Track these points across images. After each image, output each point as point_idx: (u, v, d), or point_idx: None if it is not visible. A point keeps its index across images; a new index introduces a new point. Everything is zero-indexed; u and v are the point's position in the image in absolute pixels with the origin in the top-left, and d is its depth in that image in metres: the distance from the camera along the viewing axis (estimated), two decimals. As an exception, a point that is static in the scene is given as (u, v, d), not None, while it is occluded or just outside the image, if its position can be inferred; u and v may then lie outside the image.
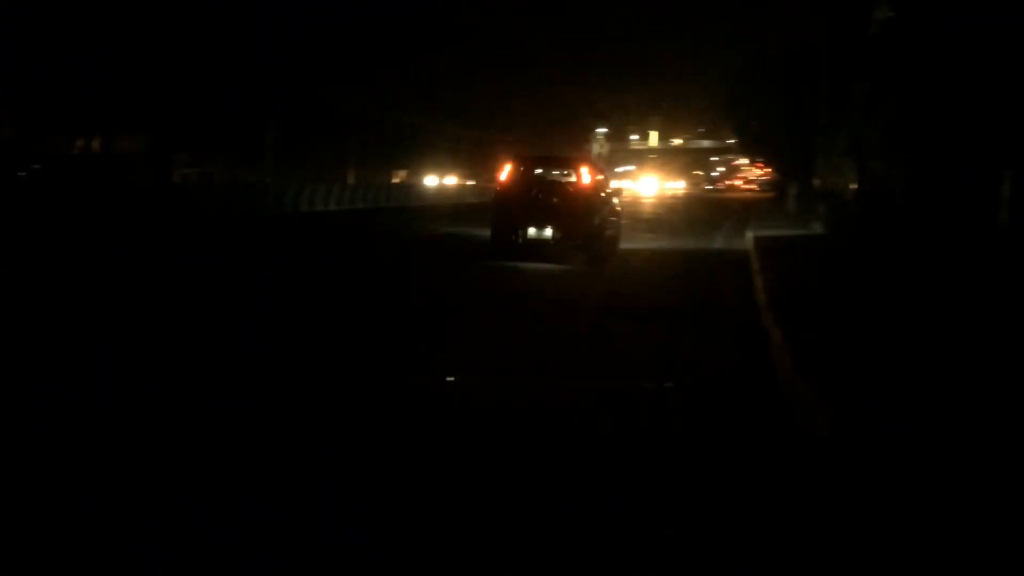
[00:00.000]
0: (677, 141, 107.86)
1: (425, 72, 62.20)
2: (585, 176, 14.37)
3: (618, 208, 16.36)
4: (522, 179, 14.77)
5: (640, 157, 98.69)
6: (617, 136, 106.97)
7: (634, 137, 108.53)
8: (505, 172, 15.09)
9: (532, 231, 13.72)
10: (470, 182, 65.31)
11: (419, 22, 59.00)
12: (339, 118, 51.48)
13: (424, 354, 6.91)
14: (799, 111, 25.45)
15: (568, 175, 14.76)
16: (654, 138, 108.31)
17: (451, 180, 64.79)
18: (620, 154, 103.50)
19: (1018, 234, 5.35)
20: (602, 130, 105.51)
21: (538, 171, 15.35)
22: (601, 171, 16.89)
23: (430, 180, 60.43)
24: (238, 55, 39.99)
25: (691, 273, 14.27)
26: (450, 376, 6.16)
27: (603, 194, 14.97)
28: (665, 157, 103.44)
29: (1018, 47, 5.42)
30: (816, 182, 23.55)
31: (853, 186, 19.81)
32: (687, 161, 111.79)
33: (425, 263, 14.66)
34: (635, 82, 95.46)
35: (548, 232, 13.66)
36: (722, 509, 3.79)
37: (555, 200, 14.07)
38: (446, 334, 7.86)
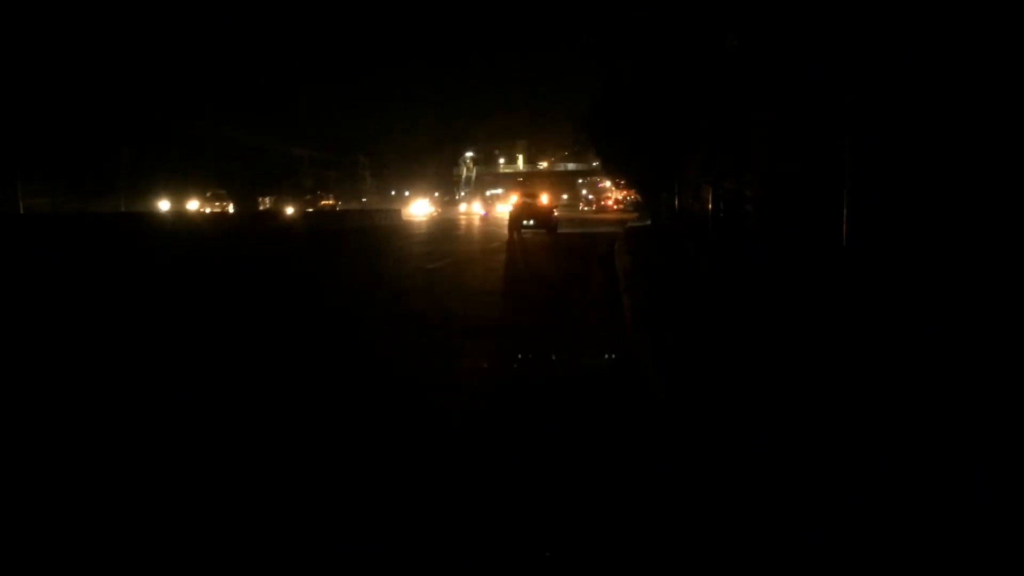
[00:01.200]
0: (543, 164, 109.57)
1: (288, 98, 60.53)
2: (544, 200, 32.10)
3: (558, 213, 34.15)
4: (521, 202, 31.41)
5: (509, 180, 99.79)
6: (485, 160, 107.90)
7: (502, 161, 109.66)
8: (512, 201, 33.26)
9: (524, 222, 29.77)
10: (229, 206, 50.55)
11: (281, 47, 57.72)
12: (195, 143, 49.28)
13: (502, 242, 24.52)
14: (655, 136, 26.15)
15: (539, 199, 32.01)
16: (521, 162, 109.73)
17: (193, 204, 50.22)
18: (488, 177, 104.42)
19: (856, 252, 5.62)
20: (470, 154, 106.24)
21: (526, 198, 31.98)
22: (551, 197, 34.27)
23: (163, 204, 46.90)
24: (87, 78, 38.21)
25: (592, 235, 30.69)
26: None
27: (553, 206, 32.84)
28: (532, 180, 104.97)
29: (851, 72, 5.73)
30: (676, 202, 24.36)
31: (710, 206, 20.48)
32: (554, 184, 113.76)
33: (486, 232, 32.03)
34: (502, 107, 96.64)
35: (532, 223, 29.88)
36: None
37: (534, 209, 30.64)
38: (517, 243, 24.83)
